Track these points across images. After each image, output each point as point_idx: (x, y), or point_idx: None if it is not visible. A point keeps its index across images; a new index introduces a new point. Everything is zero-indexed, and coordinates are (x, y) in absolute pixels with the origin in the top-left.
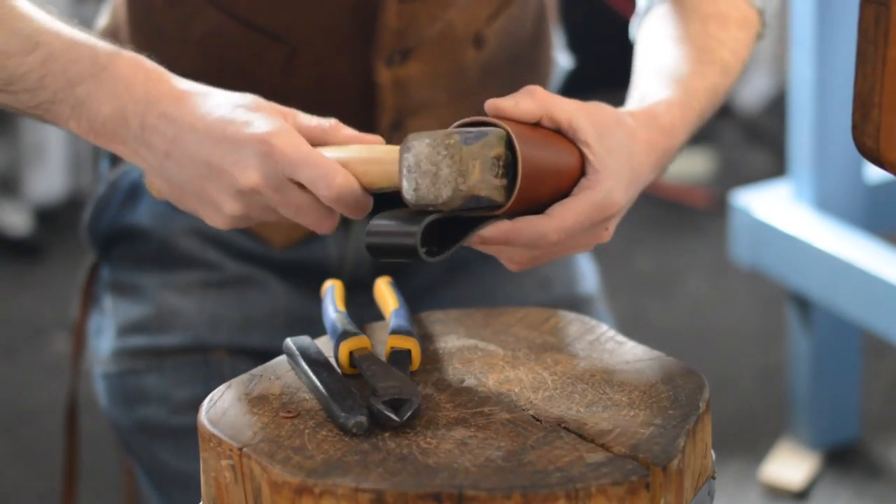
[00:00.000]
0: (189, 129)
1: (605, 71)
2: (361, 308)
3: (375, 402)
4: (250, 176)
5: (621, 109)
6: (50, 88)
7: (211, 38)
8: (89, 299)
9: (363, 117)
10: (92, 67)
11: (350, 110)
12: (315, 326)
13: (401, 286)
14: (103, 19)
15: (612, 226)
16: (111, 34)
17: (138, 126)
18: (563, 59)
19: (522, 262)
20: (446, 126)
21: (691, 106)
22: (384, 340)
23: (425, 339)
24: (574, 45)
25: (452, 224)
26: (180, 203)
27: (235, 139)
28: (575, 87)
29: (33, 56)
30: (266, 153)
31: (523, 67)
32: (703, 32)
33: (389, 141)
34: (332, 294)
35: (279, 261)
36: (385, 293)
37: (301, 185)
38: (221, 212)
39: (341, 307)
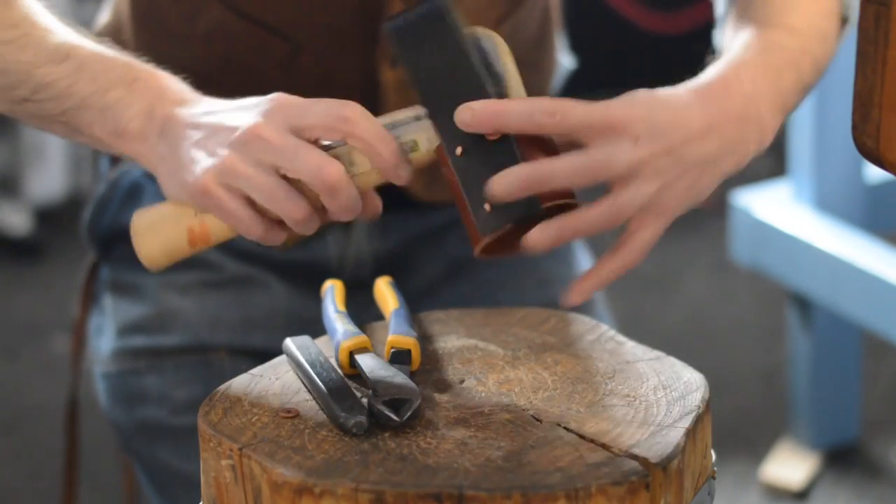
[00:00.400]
0: (209, 104)
1: (606, 71)
2: (361, 308)
3: (375, 402)
4: (249, 120)
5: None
6: (78, 95)
7: (215, 35)
8: (89, 299)
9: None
10: (125, 76)
11: None
12: (315, 326)
13: (401, 286)
14: (105, 16)
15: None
16: (113, 31)
17: (162, 118)
18: (565, 60)
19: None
20: None
21: (746, 60)
22: (384, 340)
23: (425, 338)
24: (576, 47)
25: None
26: (172, 177)
27: (247, 102)
28: (576, 87)
29: (64, 65)
30: (276, 103)
31: (527, 69)
32: (763, 7)
33: None
34: (333, 294)
35: (279, 261)
36: (385, 293)
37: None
38: (202, 166)
39: (341, 307)
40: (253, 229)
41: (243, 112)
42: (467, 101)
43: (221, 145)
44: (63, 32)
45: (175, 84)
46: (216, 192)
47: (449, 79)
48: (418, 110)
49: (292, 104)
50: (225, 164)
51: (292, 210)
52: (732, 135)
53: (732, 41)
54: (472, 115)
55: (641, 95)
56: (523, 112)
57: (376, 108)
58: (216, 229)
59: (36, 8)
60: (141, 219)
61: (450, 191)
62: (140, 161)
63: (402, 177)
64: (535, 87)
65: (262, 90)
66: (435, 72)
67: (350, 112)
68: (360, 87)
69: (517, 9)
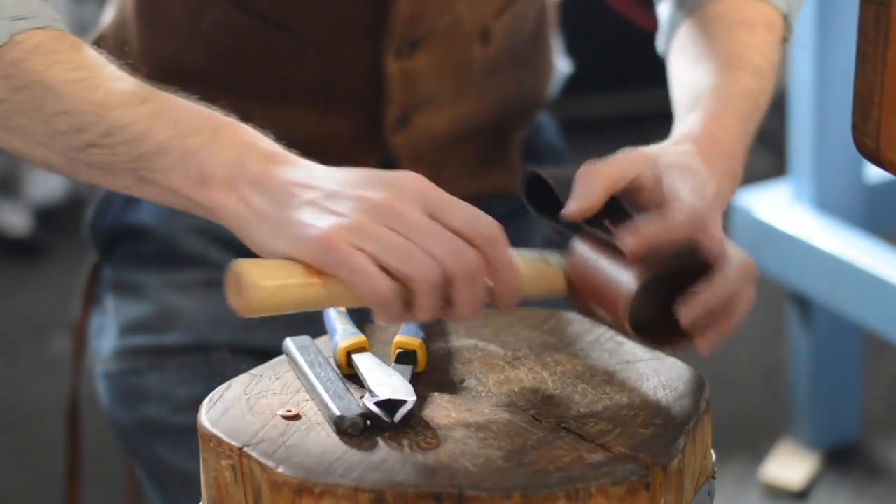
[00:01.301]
0: (320, 167)
1: (603, 75)
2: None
3: (369, 403)
4: (386, 194)
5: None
6: (156, 139)
7: (219, 30)
8: (90, 300)
9: (371, 111)
10: (209, 123)
11: (358, 104)
12: (317, 324)
13: None
14: (109, 14)
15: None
16: (117, 29)
17: (258, 171)
18: (562, 64)
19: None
20: (450, 123)
21: (728, 112)
22: (386, 340)
23: (428, 338)
24: (573, 50)
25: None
26: (279, 232)
27: (382, 173)
28: (574, 90)
29: (141, 108)
30: (415, 184)
31: (526, 67)
32: (729, 41)
33: (395, 136)
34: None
35: None
36: None
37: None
38: (329, 223)
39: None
40: (380, 288)
41: (371, 183)
42: None
43: (348, 208)
44: (132, 79)
45: (262, 138)
46: (343, 247)
47: None
48: (543, 253)
49: (434, 191)
50: (356, 222)
51: (426, 271)
52: (725, 192)
53: (701, 78)
54: (647, 243)
55: (700, 191)
56: (684, 229)
57: (380, 101)
58: (331, 288)
59: (103, 58)
60: (247, 263)
61: (582, 295)
62: (222, 213)
63: (509, 308)
64: (532, 84)
65: (267, 84)
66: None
67: (491, 232)
68: (364, 80)
69: (516, 1)
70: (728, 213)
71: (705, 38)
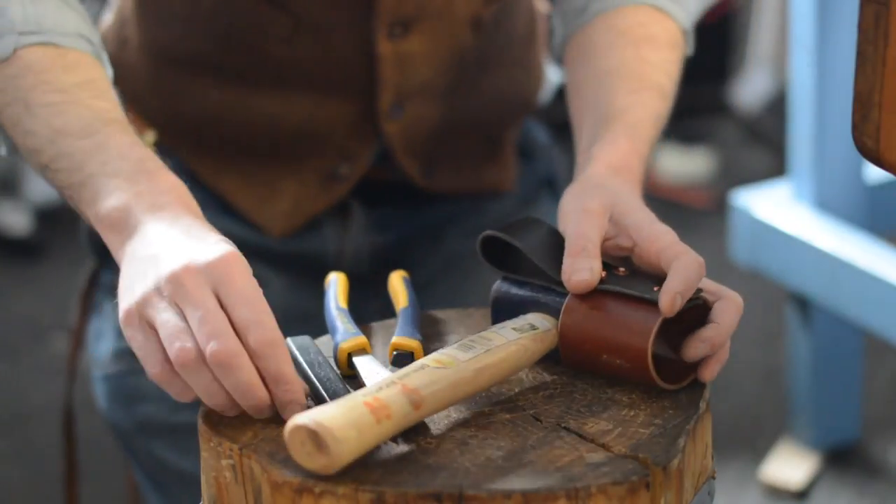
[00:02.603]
0: (175, 232)
1: None
2: (359, 302)
3: None
4: (184, 263)
5: (587, 175)
6: (84, 172)
7: (217, 12)
8: (88, 306)
9: (365, 97)
10: (134, 168)
11: (352, 88)
12: (315, 321)
13: None
14: (108, 17)
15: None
16: (118, 27)
17: (135, 222)
18: (553, 74)
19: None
20: (443, 116)
21: (640, 137)
22: (388, 341)
23: (425, 339)
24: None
25: None
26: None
27: (202, 239)
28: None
29: (86, 141)
30: (216, 261)
31: (517, 68)
32: (636, 58)
33: (389, 124)
34: (335, 288)
35: (278, 255)
36: (397, 288)
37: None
38: (132, 295)
39: (343, 303)
40: (151, 368)
41: (183, 253)
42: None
43: (150, 277)
44: (105, 109)
45: (174, 190)
46: (132, 324)
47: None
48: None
49: (231, 280)
50: (146, 297)
51: (177, 351)
52: None
53: (611, 96)
54: (683, 297)
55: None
56: (699, 274)
57: (374, 85)
58: (390, 399)
59: (97, 74)
60: (315, 418)
61: (585, 346)
62: (111, 251)
63: (259, 412)
64: (523, 84)
65: (264, 67)
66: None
67: (260, 340)
68: (358, 62)
69: None
70: (728, 211)
71: (612, 51)
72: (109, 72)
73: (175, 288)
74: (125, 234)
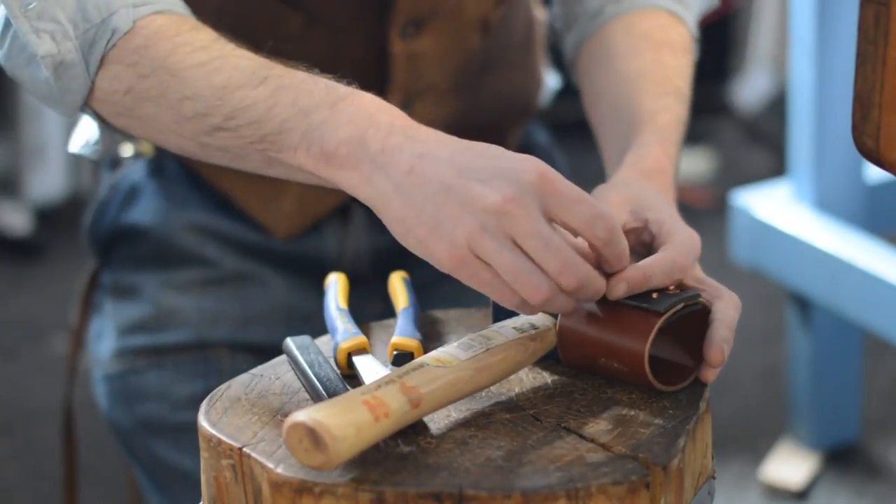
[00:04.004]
0: (440, 146)
1: None
2: (360, 303)
3: None
4: (504, 192)
5: (618, 177)
6: (278, 119)
7: (227, 8)
8: (89, 307)
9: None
10: (328, 97)
11: (363, 87)
12: (315, 321)
13: None
14: None
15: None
16: None
17: (378, 148)
18: (551, 80)
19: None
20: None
21: (670, 140)
22: (387, 340)
23: (425, 339)
24: (561, 65)
25: None
26: (409, 230)
27: (500, 157)
28: (566, 93)
29: (261, 88)
30: (533, 179)
31: (516, 71)
32: (657, 62)
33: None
34: (336, 288)
35: (278, 254)
36: (397, 289)
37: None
38: (452, 236)
39: (343, 304)
40: (508, 302)
41: (490, 173)
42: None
43: (468, 212)
44: (257, 57)
45: (382, 108)
46: (469, 265)
47: None
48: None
49: (552, 185)
50: (475, 236)
51: (537, 293)
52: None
53: (637, 100)
54: (629, 285)
55: (684, 234)
56: (666, 271)
57: (385, 80)
58: (388, 397)
59: (216, 33)
60: (312, 416)
61: (583, 348)
62: (352, 192)
63: (612, 293)
64: (522, 88)
65: None
66: None
67: (607, 231)
68: (370, 60)
69: None
70: (728, 211)
71: (634, 55)
72: None
73: (503, 221)
74: (366, 163)
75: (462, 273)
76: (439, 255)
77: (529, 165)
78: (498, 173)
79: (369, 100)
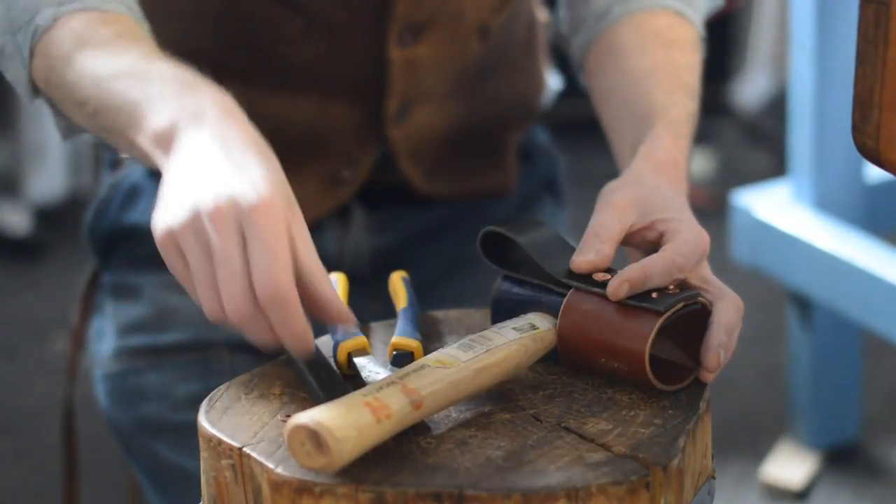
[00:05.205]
0: (217, 142)
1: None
2: (359, 303)
3: None
4: (225, 198)
5: (629, 171)
6: (131, 104)
7: (226, 12)
8: (89, 307)
9: (371, 101)
10: (177, 87)
11: (359, 92)
12: (317, 324)
13: None
14: None
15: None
16: None
17: (180, 134)
18: (553, 81)
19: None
20: (446, 121)
21: (682, 134)
22: (387, 340)
23: (425, 339)
24: (563, 66)
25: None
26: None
27: (241, 173)
28: (568, 93)
29: (130, 78)
30: (250, 203)
31: (517, 75)
32: (668, 60)
33: (394, 129)
34: (335, 288)
35: None
36: (398, 288)
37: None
38: (171, 219)
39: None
40: (192, 295)
41: (225, 183)
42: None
43: (189, 205)
44: (146, 50)
45: (221, 103)
46: (171, 253)
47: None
48: (525, 318)
49: (266, 221)
50: (182, 229)
51: (210, 308)
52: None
53: (649, 96)
54: (631, 285)
55: (687, 229)
56: (664, 271)
57: (381, 85)
58: (390, 399)
59: (135, 27)
60: (314, 417)
61: (583, 347)
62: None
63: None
64: (524, 90)
65: (272, 69)
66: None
67: (272, 292)
68: (367, 66)
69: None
70: (728, 211)
71: (644, 53)
72: (147, 31)
73: (207, 224)
74: (171, 148)
75: (164, 253)
76: (157, 230)
77: (254, 187)
78: (223, 181)
79: (211, 92)
